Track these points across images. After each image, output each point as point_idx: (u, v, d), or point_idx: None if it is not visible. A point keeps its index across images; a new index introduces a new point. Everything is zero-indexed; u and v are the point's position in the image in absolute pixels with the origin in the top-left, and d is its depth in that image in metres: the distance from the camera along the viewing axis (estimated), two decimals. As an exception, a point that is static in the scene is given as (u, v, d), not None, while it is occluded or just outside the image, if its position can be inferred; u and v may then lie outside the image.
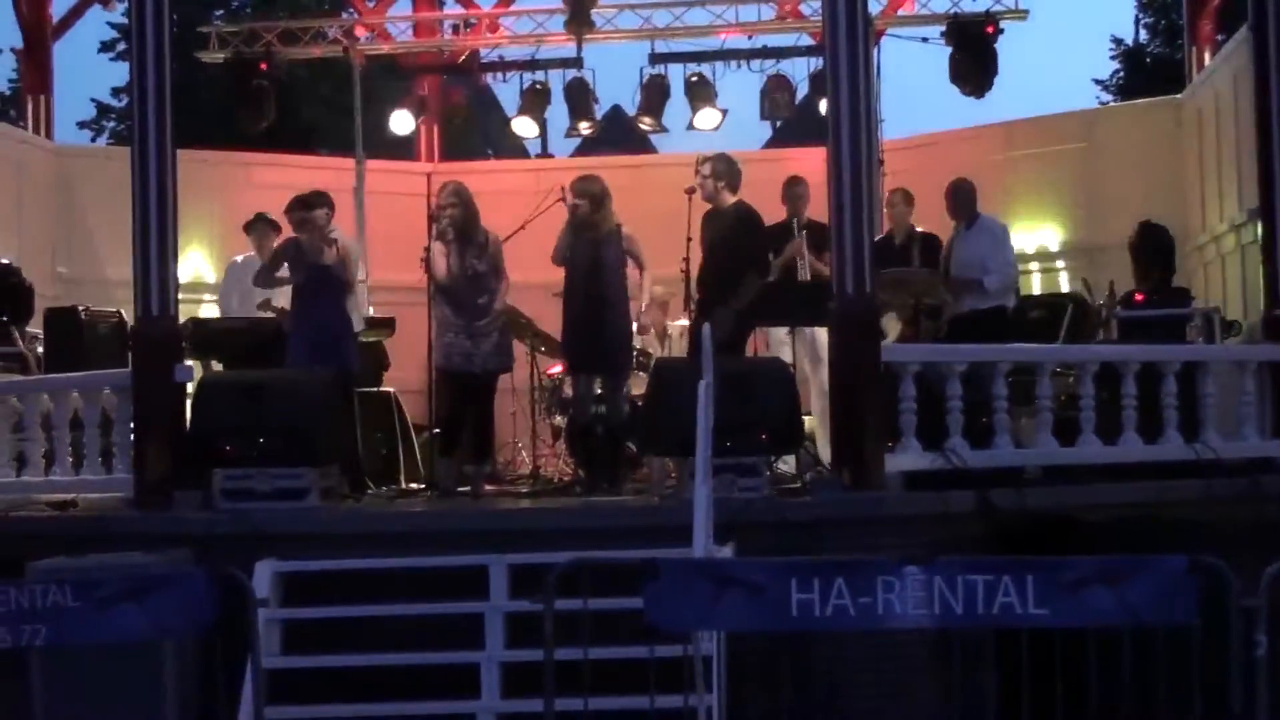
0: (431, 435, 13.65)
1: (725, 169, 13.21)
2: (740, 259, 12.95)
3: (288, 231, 13.53)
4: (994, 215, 14.27)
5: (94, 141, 34.85)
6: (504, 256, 13.19)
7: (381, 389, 15.07)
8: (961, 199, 13.87)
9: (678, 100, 18.17)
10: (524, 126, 18.87)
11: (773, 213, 13.64)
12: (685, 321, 14.22)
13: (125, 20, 24.14)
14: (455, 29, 19.26)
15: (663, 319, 15.54)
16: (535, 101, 18.39)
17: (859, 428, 11.40)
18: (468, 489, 13.02)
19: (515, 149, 29.79)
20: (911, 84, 34.26)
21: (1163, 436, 12.36)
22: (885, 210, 14.71)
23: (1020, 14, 17.13)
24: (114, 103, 35.93)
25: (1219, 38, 18.08)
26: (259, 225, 14.67)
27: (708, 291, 12.96)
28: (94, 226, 17.37)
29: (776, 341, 14.11)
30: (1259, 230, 13.61)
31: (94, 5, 18.54)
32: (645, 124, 18.58)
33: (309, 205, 13.09)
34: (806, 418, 13.20)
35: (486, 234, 13.15)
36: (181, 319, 12.54)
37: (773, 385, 11.52)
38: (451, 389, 13.24)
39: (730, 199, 13.19)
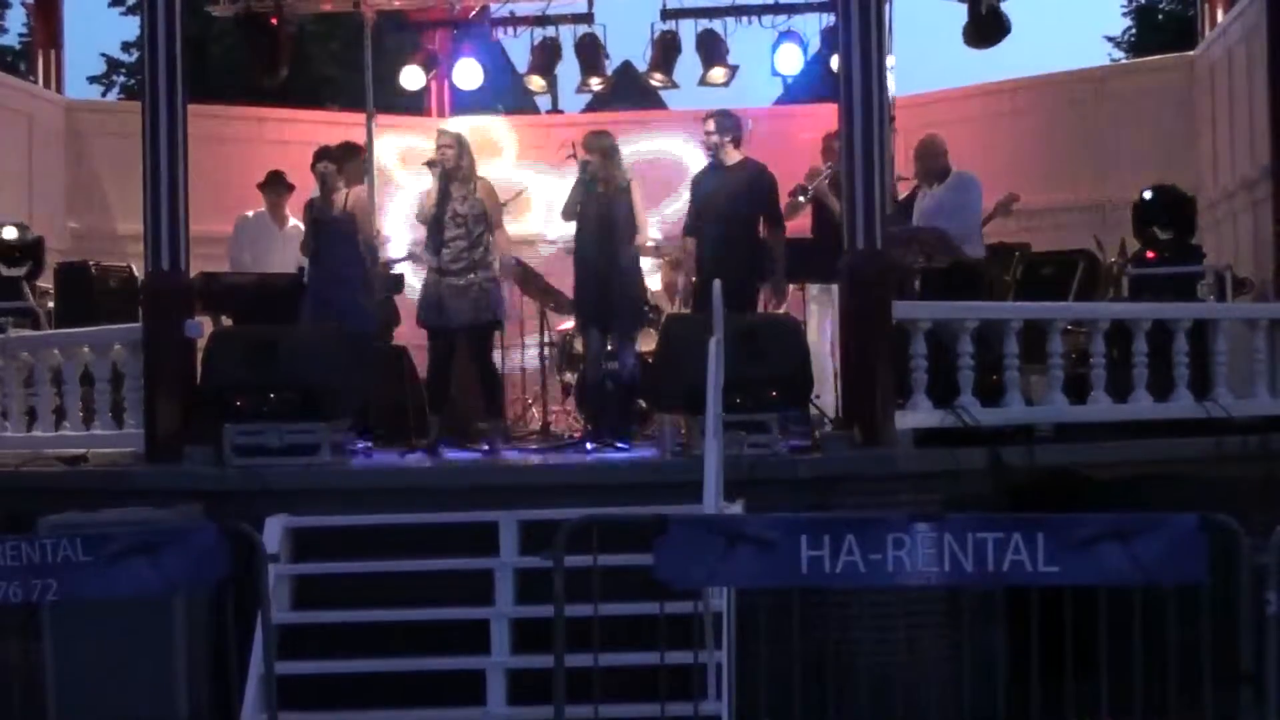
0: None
1: (729, 124, 13.17)
2: (757, 218, 12.98)
3: (300, 192, 13.59)
4: (971, 173, 13.76)
5: (104, 96, 34.85)
6: (499, 207, 13.09)
7: (392, 344, 15.04)
8: (928, 158, 13.54)
9: (689, 56, 18.08)
10: (535, 82, 18.82)
11: (783, 169, 13.57)
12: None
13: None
14: (466, -17, 19.15)
15: (674, 276, 15.48)
16: (546, 57, 18.31)
17: (870, 384, 11.40)
18: (485, 448, 12.99)
19: (525, 104, 29.65)
20: (922, 40, 34.15)
21: (1173, 394, 12.37)
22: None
23: (1033, -31, 17.02)
24: (124, 57, 35.94)
25: (1232, -6, 17.99)
26: (275, 185, 14.69)
27: (722, 251, 12.90)
28: (104, 181, 17.35)
29: (810, 299, 13.99)
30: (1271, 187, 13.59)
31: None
32: (656, 80, 18.48)
33: (316, 158, 13.24)
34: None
35: (478, 181, 13.05)
36: (192, 274, 12.51)
37: (783, 342, 11.52)
38: (430, 343, 13.24)
39: (735, 156, 13.16)
